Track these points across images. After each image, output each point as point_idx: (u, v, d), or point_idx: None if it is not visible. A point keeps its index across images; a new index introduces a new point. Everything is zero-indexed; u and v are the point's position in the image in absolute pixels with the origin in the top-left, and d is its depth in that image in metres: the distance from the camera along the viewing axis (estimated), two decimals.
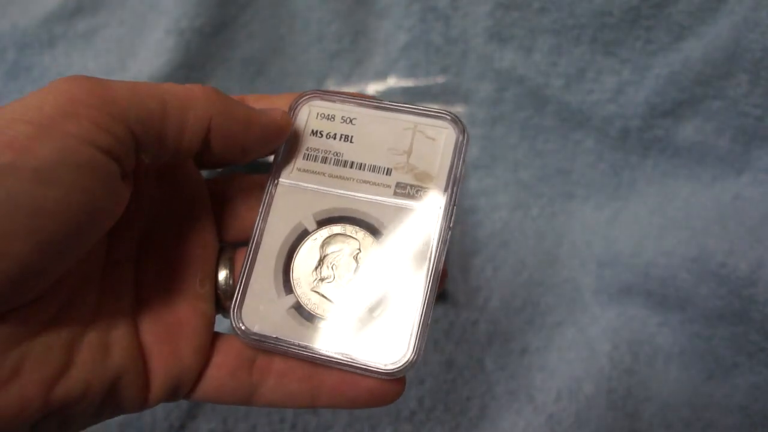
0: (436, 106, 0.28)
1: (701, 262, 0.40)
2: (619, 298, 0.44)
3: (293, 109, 0.26)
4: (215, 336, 0.24)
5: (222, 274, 0.25)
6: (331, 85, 0.49)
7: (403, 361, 0.22)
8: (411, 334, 0.23)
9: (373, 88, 0.48)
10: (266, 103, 0.26)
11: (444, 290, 0.44)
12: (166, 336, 0.23)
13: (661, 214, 0.44)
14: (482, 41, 0.46)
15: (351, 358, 0.23)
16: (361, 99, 0.26)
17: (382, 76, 0.48)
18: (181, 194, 0.25)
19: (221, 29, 0.47)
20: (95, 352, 0.21)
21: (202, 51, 0.46)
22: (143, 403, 0.22)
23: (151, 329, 0.23)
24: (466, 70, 0.47)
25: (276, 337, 0.23)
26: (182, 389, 0.23)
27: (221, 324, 0.25)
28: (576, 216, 0.47)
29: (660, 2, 0.43)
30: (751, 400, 0.40)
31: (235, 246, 0.26)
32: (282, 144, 0.25)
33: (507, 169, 0.47)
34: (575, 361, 0.42)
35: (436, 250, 0.24)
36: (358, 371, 0.23)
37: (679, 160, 0.45)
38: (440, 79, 0.48)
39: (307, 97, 0.26)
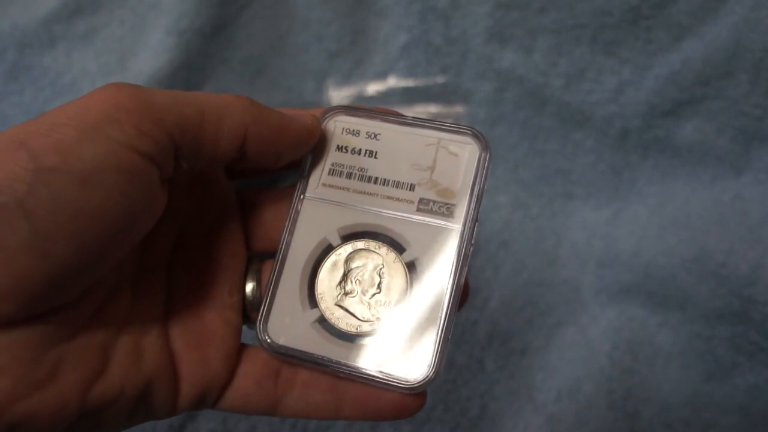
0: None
1: (701, 262, 0.40)
2: (619, 298, 0.43)
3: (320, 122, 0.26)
4: (242, 346, 0.25)
5: (249, 286, 0.25)
6: (331, 85, 0.49)
7: (425, 377, 0.23)
8: (433, 350, 0.23)
9: (373, 88, 0.48)
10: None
11: None
12: (195, 343, 0.23)
13: (661, 214, 0.44)
14: (482, 41, 0.46)
15: (374, 373, 0.23)
16: (386, 114, 0.26)
17: (382, 76, 0.48)
18: (212, 204, 0.26)
19: (221, 29, 0.47)
20: (129, 356, 0.21)
21: (202, 51, 0.46)
22: (172, 409, 0.23)
23: (180, 336, 0.23)
24: (466, 70, 0.47)
25: (300, 350, 0.24)
26: (210, 397, 0.24)
27: (246, 335, 0.25)
28: (576, 216, 0.47)
29: (660, 2, 0.43)
30: (751, 400, 0.40)
31: (262, 257, 0.27)
32: (310, 148, 0.25)
33: (507, 169, 0.47)
34: (575, 361, 0.42)
35: (458, 267, 0.24)
36: (380, 385, 0.23)
37: (679, 160, 0.45)
38: (440, 79, 0.48)
39: (333, 112, 0.26)
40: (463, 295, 0.24)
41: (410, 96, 0.48)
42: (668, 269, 0.41)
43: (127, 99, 0.19)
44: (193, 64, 0.46)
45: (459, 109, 0.48)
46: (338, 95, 0.48)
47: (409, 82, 0.48)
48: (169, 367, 0.22)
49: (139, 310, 0.22)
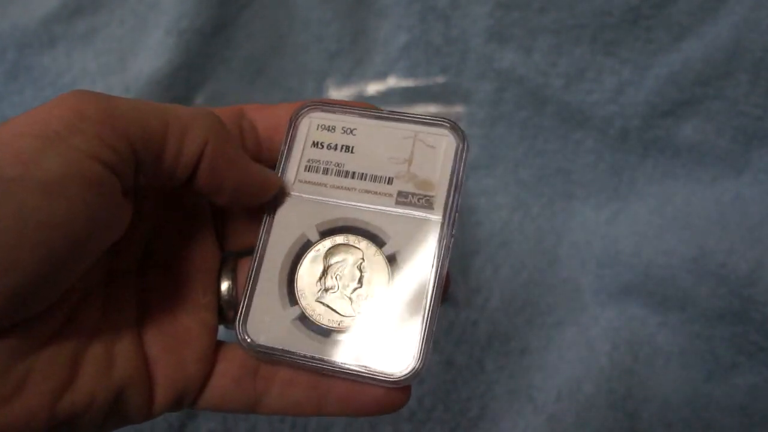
0: (435, 111, 0.28)
1: (701, 262, 0.40)
2: (619, 298, 0.43)
3: (293, 120, 0.26)
4: (218, 345, 0.24)
5: (224, 285, 0.25)
6: (331, 85, 0.49)
7: (409, 370, 0.23)
8: (416, 343, 0.23)
9: (373, 88, 0.48)
10: (266, 113, 0.26)
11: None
12: (170, 346, 0.23)
13: (661, 214, 0.44)
14: (482, 41, 0.46)
15: (357, 368, 0.23)
16: (361, 109, 0.26)
17: (382, 76, 0.48)
18: (181, 204, 0.25)
19: (221, 29, 0.47)
20: (100, 365, 0.21)
21: (202, 51, 0.46)
22: (148, 413, 0.22)
23: (155, 340, 0.23)
24: (466, 70, 0.47)
25: (282, 349, 0.23)
26: (186, 399, 0.23)
27: (222, 332, 0.25)
28: (576, 216, 0.47)
29: (660, 2, 0.43)
30: (751, 400, 0.40)
31: (237, 256, 0.26)
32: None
33: (507, 169, 0.47)
34: (575, 361, 0.42)
35: (440, 258, 0.24)
36: (364, 380, 0.23)
37: (679, 160, 0.45)
38: (440, 79, 0.48)
39: (307, 108, 0.26)
40: (445, 285, 0.24)
41: (410, 96, 0.48)
42: (668, 269, 0.41)
43: (91, 108, 0.19)
44: (193, 64, 0.46)
45: (459, 109, 0.48)
46: (338, 95, 0.48)
47: (409, 82, 0.48)
48: (142, 372, 0.22)
49: (111, 317, 0.22)
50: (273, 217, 0.25)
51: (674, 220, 0.43)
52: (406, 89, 0.48)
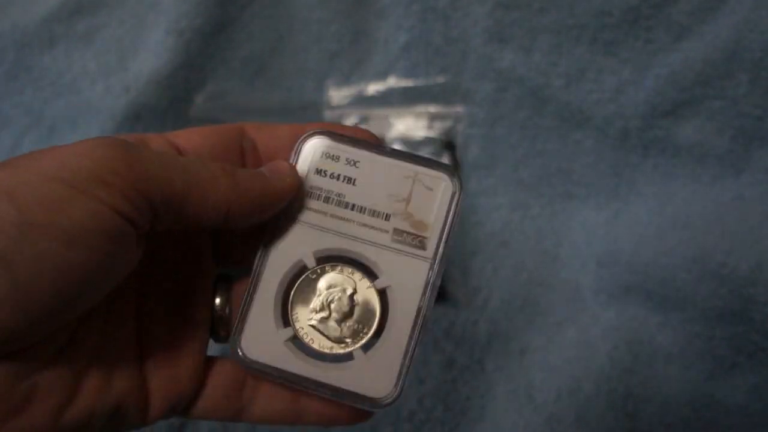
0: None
1: (701, 262, 0.40)
2: (619, 298, 0.43)
3: (298, 145, 0.26)
4: (209, 359, 0.26)
5: (218, 301, 0.26)
6: (331, 85, 0.49)
7: (391, 397, 0.24)
8: (398, 372, 0.25)
9: (373, 88, 0.48)
10: (267, 133, 0.26)
11: (444, 290, 0.44)
12: (165, 362, 0.24)
13: (661, 214, 0.44)
14: (482, 41, 0.46)
15: (342, 391, 0.24)
16: (367, 142, 0.26)
17: (382, 76, 0.48)
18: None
19: (221, 29, 0.47)
20: (100, 382, 0.22)
21: (202, 51, 0.46)
22: (142, 423, 0.24)
23: (151, 356, 0.24)
24: (466, 70, 0.47)
25: (274, 367, 0.25)
26: (178, 408, 0.24)
27: (212, 347, 0.26)
28: (576, 216, 0.47)
29: (660, 2, 0.43)
30: (751, 400, 0.40)
31: (232, 274, 0.27)
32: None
33: (507, 169, 0.47)
34: (575, 361, 0.42)
35: (425, 296, 0.25)
36: (347, 402, 0.24)
37: (679, 160, 0.45)
38: (440, 79, 0.48)
39: (313, 134, 0.26)
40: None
41: (410, 96, 0.48)
42: (668, 269, 0.41)
43: (119, 163, 0.20)
44: (193, 64, 0.46)
45: (459, 109, 0.48)
46: (338, 95, 0.48)
47: (409, 82, 0.48)
48: (139, 387, 0.23)
49: (110, 336, 0.23)
50: (272, 240, 0.26)
51: (674, 220, 0.43)
52: (406, 89, 0.48)
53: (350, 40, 0.49)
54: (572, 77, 0.45)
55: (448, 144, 0.48)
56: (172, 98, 0.46)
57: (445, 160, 0.48)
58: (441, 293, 0.43)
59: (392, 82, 0.48)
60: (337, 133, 0.26)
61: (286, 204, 0.25)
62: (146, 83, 0.45)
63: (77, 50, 0.47)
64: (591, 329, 0.43)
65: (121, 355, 0.23)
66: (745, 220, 0.41)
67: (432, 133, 0.48)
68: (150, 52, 0.46)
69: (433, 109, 0.48)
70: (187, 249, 0.26)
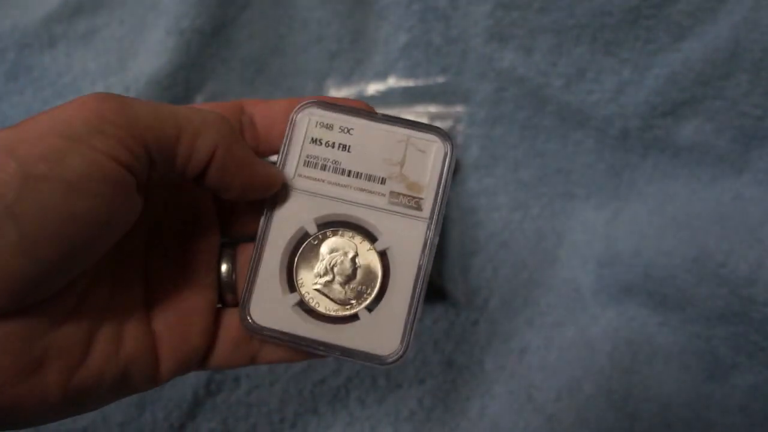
0: (435, 111, 0.29)
1: (701, 262, 0.40)
2: (619, 298, 0.44)
3: (293, 116, 0.27)
4: (219, 312, 0.27)
5: (224, 268, 0.27)
6: (331, 85, 0.49)
7: (397, 353, 0.25)
8: (402, 330, 0.26)
9: (373, 88, 0.48)
10: (265, 108, 0.27)
11: (444, 290, 0.44)
12: (175, 323, 0.25)
13: (661, 214, 0.44)
14: (482, 41, 0.46)
15: (351, 350, 0.26)
16: (359, 110, 0.27)
17: (382, 76, 0.48)
18: (185, 192, 0.27)
19: (221, 29, 0.47)
20: (109, 343, 0.23)
21: (202, 51, 0.46)
22: (154, 383, 0.25)
23: (161, 318, 0.25)
24: (466, 70, 0.47)
25: (283, 332, 0.26)
26: (192, 366, 0.26)
27: None
28: (576, 216, 0.47)
29: (660, 2, 0.43)
30: (751, 400, 0.40)
31: (236, 242, 0.28)
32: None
33: (507, 169, 0.47)
34: (575, 361, 0.42)
35: (425, 255, 0.26)
36: (356, 361, 0.26)
37: (679, 160, 0.45)
38: (440, 79, 0.48)
39: (307, 104, 0.27)
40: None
41: (410, 96, 0.48)
42: (668, 269, 0.41)
43: (112, 112, 0.20)
44: (193, 64, 0.46)
45: (459, 109, 0.48)
46: (338, 95, 0.48)
47: (409, 82, 0.48)
48: (149, 348, 0.24)
49: (119, 297, 0.24)
50: (274, 209, 0.27)
51: (674, 220, 0.43)
52: (406, 89, 0.48)
53: (350, 40, 0.49)
54: (572, 77, 0.45)
55: None
56: (172, 98, 0.46)
57: None
58: (441, 293, 0.44)
59: (392, 82, 0.48)
60: (330, 103, 0.27)
61: (281, 153, 0.26)
62: (146, 83, 0.45)
63: (77, 50, 0.47)
64: (591, 329, 0.43)
65: (130, 317, 0.24)
66: (745, 220, 0.41)
67: None
68: (150, 52, 0.46)
69: (433, 109, 0.48)
70: (192, 215, 0.27)
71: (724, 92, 0.43)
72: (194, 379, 0.40)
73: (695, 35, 0.43)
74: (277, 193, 0.26)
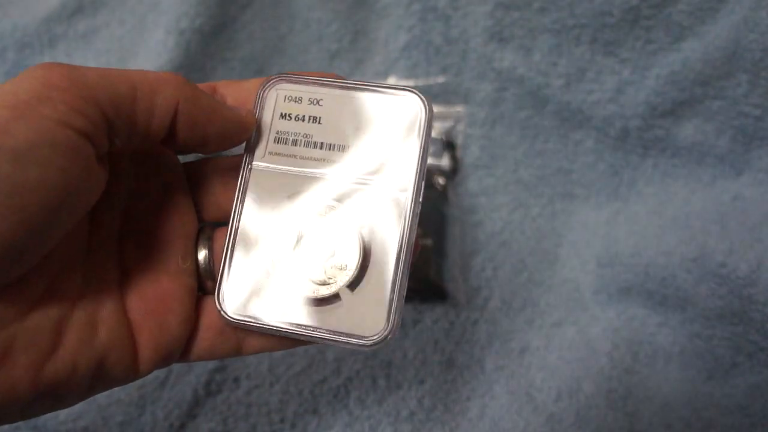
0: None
1: (701, 262, 0.40)
2: (619, 298, 0.44)
3: (261, 93, 0.26)
4: (200, 298, 0.26)
5: (201, 254, 0.26)
6: None
7: (384, 333, 0.24)
8: (387, 307, 0.24)
9: None
10: (236, 88, 0.26)
11: (444, 290, 0.44)
12: (152, 311, 0.24)
13: (661, 214, 0.44)
14: (482, 41, 0.46)
15: (332, 333, 0.24)
16: (327, 79, 0.26)
17: (382, 76, 0.48)
18: (158, 175, 0.26)
19: (221, 29, 0.47)
20: (82, 333, 0.22)
21: (202, 51, 0.46)
22: (134, 374, 0.23)
23: (137, 306, 0.24)
24: (466, 70, 0.47)
25: (262, 320, 0.24)
26: (174, 356, 0.24)
27: None
28: (576, 216, 0.47)
29: (660, 2, 0.43)
30: (751, 400, 0.40)
31: (214, 225, 0.27)
32: (241, 142, 0.25)
33: (507, 169, 0.47)
34: (575, 361, 0.42)
35: (407, 224, 0.24)
36: (341, 343, 0.24)
37: (679, 160, 0.45)
38: (440, 79, 0.48)
39: (274, 80, 0.26)
40: (413, 250, 0.25)
41: None
42: (668, 269, 0.41)
43: (59, 77, 0.20)
44: (193, 64, 0.46)
45: (459, 108, 0.48)
46: None
47: (409, 82, 0.48)
48: (125, 337, 0.23)
49: (92, 285, 0.23)
50: (246, 189, 0.25)
51: (674, 220, 0.43)
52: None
53: (350, 40, 0.49)
54: (572, 77, 0.45)
55: (448, 144, 0.48)
56: None
57: (445, 160, 0.48)
58: (441, 293, 0.44)
59: (392, 82, 0.48)
60: (297, 76, 0.26)
61: (244, 142, 0.25)
62: None
63: (77, 50, 0.47)
64: (591, 329, 0.43)
65: (104, 304, 0.23)
66: (745, 220, 0.41)
67: (432, 133, 0.48)
68: (150, 52, 0.46)
69: (433, 109, 0.48)
70: (166, 198, 0.26)
71: (724, 92, 0.43)
72: (194, 379, 0.40)
73: (695, 35, 0.43)
74: (249, 172, 0.25)
